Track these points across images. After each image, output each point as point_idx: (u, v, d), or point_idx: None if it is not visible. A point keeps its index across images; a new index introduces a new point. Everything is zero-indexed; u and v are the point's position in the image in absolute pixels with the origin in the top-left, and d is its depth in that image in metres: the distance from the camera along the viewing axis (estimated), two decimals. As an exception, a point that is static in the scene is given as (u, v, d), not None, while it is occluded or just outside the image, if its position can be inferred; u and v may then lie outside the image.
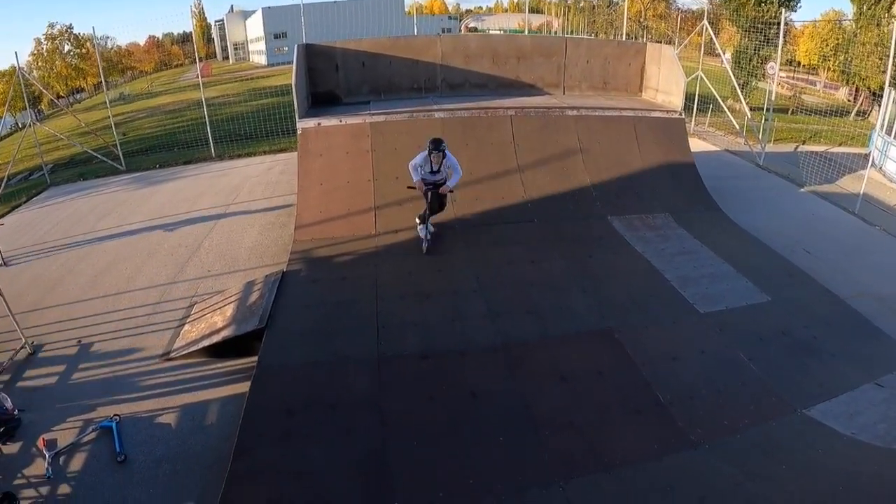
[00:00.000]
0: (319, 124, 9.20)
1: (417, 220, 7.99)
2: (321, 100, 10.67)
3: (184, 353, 6.59)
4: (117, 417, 5.63)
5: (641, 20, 24.82)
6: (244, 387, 5.65)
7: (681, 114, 10.48)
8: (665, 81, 11.03)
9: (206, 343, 6.58)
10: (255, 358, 5.90)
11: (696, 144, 14.78)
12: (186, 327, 7.12)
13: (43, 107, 28.32)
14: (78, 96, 42.19)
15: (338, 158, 9.02)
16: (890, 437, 5.02)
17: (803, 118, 19.35)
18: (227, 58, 64.30)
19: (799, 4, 22.53)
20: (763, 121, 14.35)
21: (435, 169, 7.56)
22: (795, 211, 11.00)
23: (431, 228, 7.90)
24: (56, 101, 26.09)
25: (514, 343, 6.03)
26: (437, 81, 10.83)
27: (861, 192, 11.28)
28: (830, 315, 6.96)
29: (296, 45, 10.05)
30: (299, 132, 9.16)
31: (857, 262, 8.73)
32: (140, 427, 5.58)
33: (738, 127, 15.52)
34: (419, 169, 7.64)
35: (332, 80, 10.70)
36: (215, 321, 6.95)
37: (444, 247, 7.95)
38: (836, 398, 5.55)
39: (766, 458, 4.74)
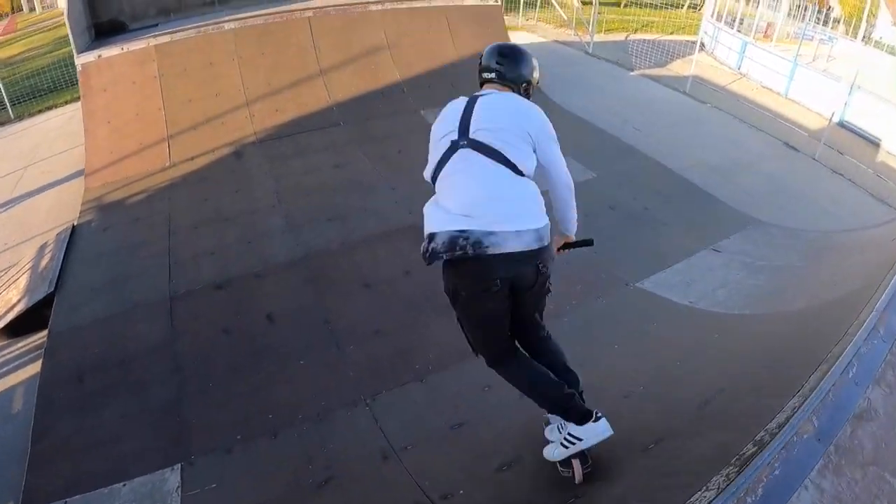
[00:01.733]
0: (100, 56, 8.20)
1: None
2: (105, 30, 9.51)
3: None
4: None
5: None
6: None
7: (497, 1, 10.24)
8: (481, -32, 10.66)
9: (2, 323, 5.88)
10: (52, 327, 5.37)
11: (525, 37, 14.71)
12: None
13: None
14: None
15: (124, 90, 8.13)
16: (730, 303, 4.93)
17: (635, 10, 19.76)
18: (33, 8, 57.35)
19: None
20: (592, 12, 14.44)
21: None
22: (624, 92, 11.26)
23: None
24: None
25: (315, 254, 5.73)
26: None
27: (691, 73, 11.67)
28: (661, 185, 7.04)
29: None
30: (79, 69, 8.15)
31: (688, 137, 9.06)
32: None
33: (566, 18, 15.57)
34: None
35: (113, 6, 9.55)
36: (11, 297, 6.25)
37: (243, 165, 7.45)
38: (671, 267, 5.48)
39: (597, 342, 4.40)
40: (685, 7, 22.89)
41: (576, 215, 2.85)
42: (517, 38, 10.98)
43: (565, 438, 2.63)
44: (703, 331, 4.56)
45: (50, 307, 5.63)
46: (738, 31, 15.22)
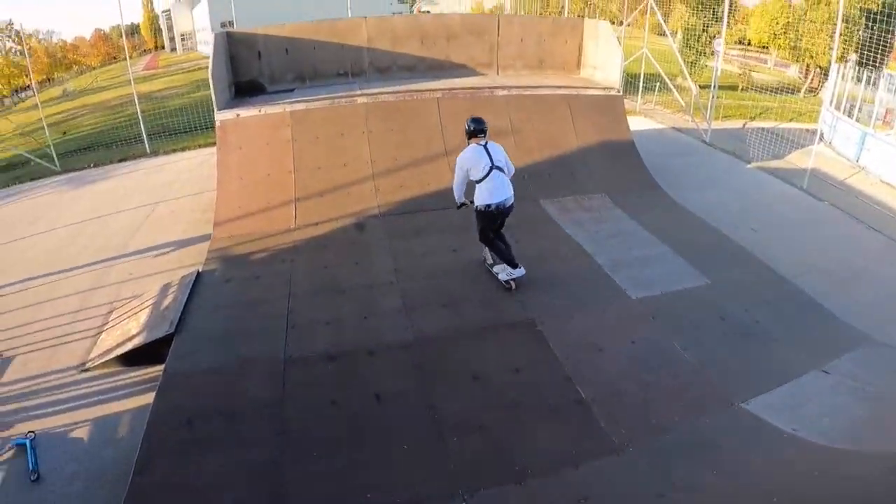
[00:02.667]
0: (238, 115, 8.77)
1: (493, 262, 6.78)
2: (245, 89, 10.20)
3: (99, 363, 6.26)
4: (32, 434, 5.37)
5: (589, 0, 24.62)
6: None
7: (619, 91, 10.23)
8: (603, 58, 10.76)
9: (119, 352, 6.24)
10: (165, 365, 5.61)
11: (642, 122, 14.66)
12: (103, 335, 6.76)
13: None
14: (23, 94, 40.66)
15: (257, 150, 8.61)
16: (834, 434, 4.59)
17: (753, 95, 19.32)
18: (174, 49, 62.56)
19: (749, -18, 22.53)
20: (711, 98, 14.21)
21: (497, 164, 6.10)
22: (741, 187, 10.85)
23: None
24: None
25: (427, 339, 5.71)
26: (364, 65, 10.41)
27: (809, 167, 11.17)
28: (774, 296, 6.61)
29: (214, 34, 9.56)
30: (217, 125, 8.72)
31: (804, 239, 8.55)
32: (54, 443, 5.33)
33: (684, 105, 15.37)
34: (470, 173, 6.19)
35: (254, 69, 10.24)
36: (130, 328, 6.62)
37: (364, 238, 7.60)
38: (777, 389, 5.13)
39: (695, 463, 4.33)
40: (802, 92, 22.23)
41: None
42: (634, 123, 10.89)
43: (507, 273, 6.44)
44: (804, 464, 4.31)
45: (166, 345, 5.86)
46: (857, 119, 14.47)
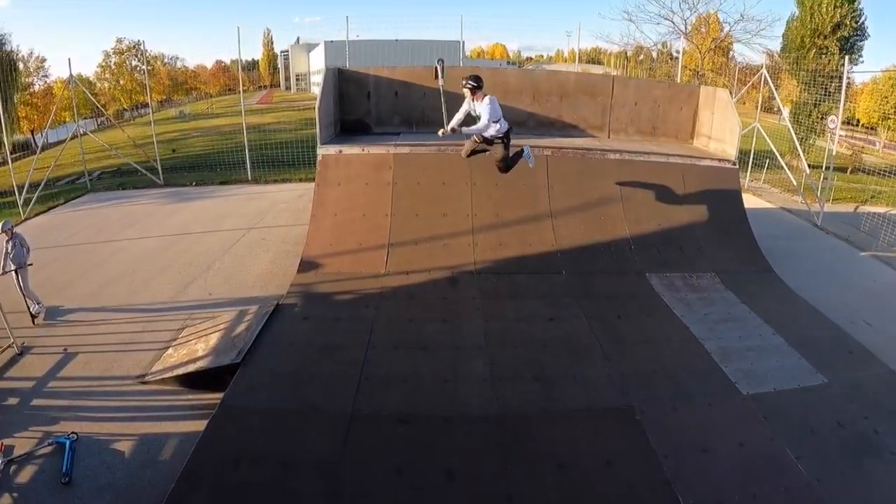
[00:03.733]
0: (340, 151, 8.75)
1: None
2: (350, 128, 10.27)
3: (158, 378, 6.23)
4: (74, 435, 5.44)
5: (699, 72, 24.00)
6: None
7: (734, 164, 9.58)
8: (718, 128, 10.17)
9: (181, 371, 6.20)
10: (224, 394, 5.40)
11: (751, 201, 13.86)
12: (169, 351, 6.76)
13: (106, 118, 29.46)
14: (143, 110, 44.08)
15: (356, 189, 8.51)
16: None
17: (863, 178, 18.17)
18: (289, 87, 66.42)
19: (861, 58, 21.44)
20: (822, 179, 13.28)
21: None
22: (856, 277, 9.97)
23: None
24: (119, 114, 27.06)
25: (512, 415, 5.21)
26: (473, 116, 10.24)
27: None
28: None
29: (326, 68, 9.69)
30: (319, 158, 8.75)
31: None
32: (94, 449, 5.36)
33: (795, 184, 14.47)
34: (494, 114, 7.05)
35: (362, 108, 10.30)
36: (197, 349, 6.57)
37: (456, 294, 7.23)
38: None
39: None
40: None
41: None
42: (743, 200, 10.26)
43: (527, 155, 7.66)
44: None
45: (230, 374, 5.70)
46: None
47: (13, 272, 7.35)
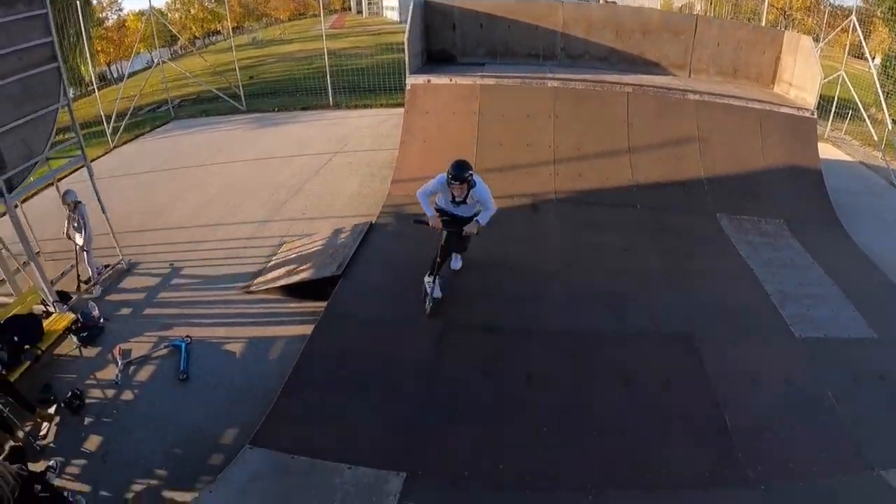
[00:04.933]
0: (429, 81, 9.16)
1: (427, 278, 6.08)
2: (436, 58, 10.61)
3: (263, 288, 6.89)
4: (189, 338, 6.00)
5: (787, 11, 22.78)
6: (311, 329, 5.83)
7: (813, 113, 9.56)
8: (800, 76, 10.05)
9: (284, 282, 6.84)
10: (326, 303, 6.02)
11: (829, 151, 13.53)
12: (271, 263, 7.43)
13: (178, 46, 30.11)
14: (215, 38, 44.50)
15: (444, 117, 8.97)
16: None
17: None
18: (360, 11, 65.33)
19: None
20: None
21: (458, 199, 5.86)
22: (926, 243, 9.83)
23: (438, 282, 6.05)
24: (191, 42, 27.65)
25: (585, 333, 5.78)
26: (556, 50, 10.45)
27: None
28: None
29: (412, 2, 10.01)
30: (408, 87, 9.19)
31: None
32: (208, 351, 5.94)
33: (876, 139, 14.03)
34: (434, 198, 6.07)
35: (448, 39, 10.60)
36: (297, 263, 7.23)
37: (537, 218, 7.75)
38: None
39: None
40: None
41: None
42: (821, 150, 10.06)
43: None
44: None
45: (331, 286, 6.30)
46: None
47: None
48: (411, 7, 9.84)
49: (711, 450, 4.66)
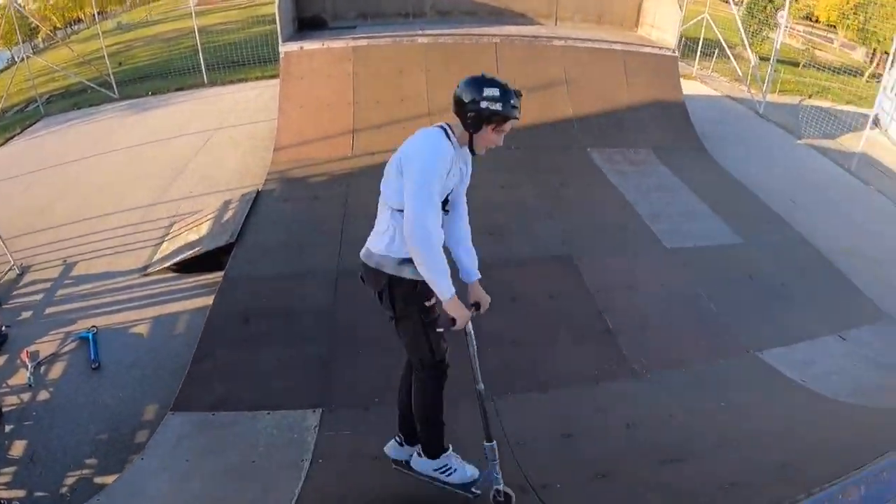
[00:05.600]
0: (302, 48, 9.07)
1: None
2: (308, 24, 10.46)
3: (159, 267, 6.81)
4: (95, 329, 5.88)
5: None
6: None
7: (674, 52, 10.23)
8: (661, 18, 10.71)
9: (180, 258, 6.79)
10: (225, 271, 6.07)
11: (697, 88, 14.51)
12: (164, 244, 7.31)
13: (39, 40, 27.88)
14: (76, 27, 41.30)
15: (319, 82, 8.94)
16: (840, 390, 4.88)
17: (813, 73, 18.76)
18: None
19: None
20: (769, 71, 13.94)
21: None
22: (787, 161, 10.76)
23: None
24: (52, 33, 25.57)
25: (473, 261, 6.07)
26: (426, 7, 10.57)
27: (860, 150, 11.03)
28: (803, 264, 6.85)
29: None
30: (282, 55, 9.05)
31: (844, 218, 8.51)
32: (115, 337, 5.85)
33: (741, 74, 15.14)
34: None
35: (317, 4, 10.47)
36: (191, 238, 7.16)
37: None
38: (793, 345, 5.42)
39: (706, 394, 4.73)
40: (865, 76, 21.48)
41: (430, 274, 2.78)
42: (689, 87, 10.83)
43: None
44: (808, 410, 4.67)
45: (226, 255, 6.37)
46: None
47: None
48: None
49: (598, 350, 5.11)
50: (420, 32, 9.29)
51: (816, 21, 31.84)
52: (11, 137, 12.56)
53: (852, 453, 3.43)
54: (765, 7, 19.25)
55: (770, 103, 13.79)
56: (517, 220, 6.89)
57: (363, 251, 3.13)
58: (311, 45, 9.10)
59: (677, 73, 10.36)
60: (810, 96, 16.16)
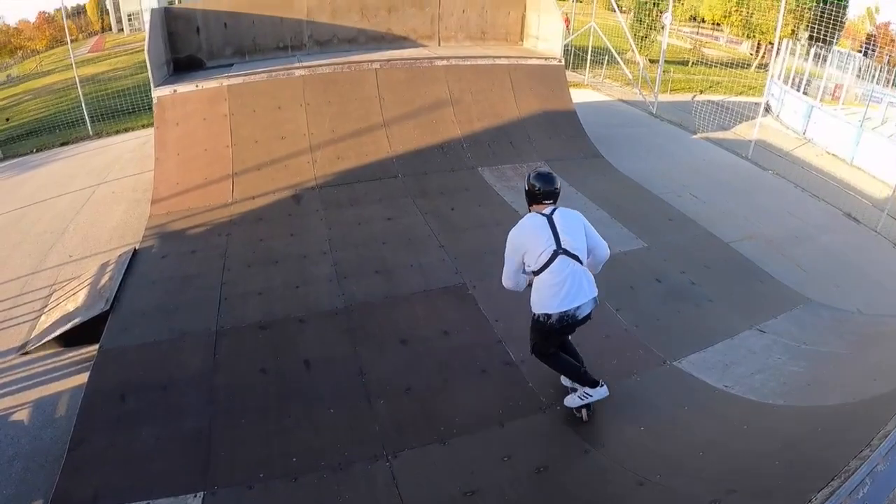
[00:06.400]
0: (175, 91, 8.64)
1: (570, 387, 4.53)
2: (183, 65, 10.01)
3: (38, 344, 6.21)
4: None
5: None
6: (89, 374, 5.43)
7: (560, 60, 10.33)
8: (545, 29, 10.85)
9: (58, 332, 6.21)
10: (103, 343, 5.63)
11: (590, 95, 14.82)
12: (43, 318, 6.69)
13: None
14: (-26, 81, 39.05)
15: (195, 126, 8.51)
16: (766, 390, 4.66)
17: (703, 70, 19.63)
18: (122, 29, 60.61)
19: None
20: (658, 72, 14.41)
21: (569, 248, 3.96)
22: (685, 156, 11.07)
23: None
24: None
25: (357, 306, 5.77)
26: (304, 39, 10.29)
27: (754, 138, 11.43)
28: (712, 258, 6.82)
29: (150, 9, 9.39)
30: (155, 101, 8.60)
31: (747, 206, 8.75)
32: None
33: (631, 77, 15.57)
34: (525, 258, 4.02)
35: (193, 44, 10.03)
36: (68, 308, 6.58)
37: (300, 210, 7.62)
38: (711, 347, 5.25)
39: (623, 419, 4.43)
40: (753, 67, 22.61)
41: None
42: (582, 95, 11.04)
43: (582, 395, 4.29)
44: (733, 421, 4.46)
45: (104, 324, 5.86)
46: (805, 93, 14.86)
47: None
48: (149, 16, 9.21)
49: (500, 385, 4.78)
50: (297, 65, 9.02)
51: (702, 21, 33.60)
52: None
53: (796, 468, 3.25)
54: (650, 12, 20.01)
55: (662, 103, 14.23)
56: (405, 253, 6.63)
57: (587, 302, 4.08)
58: (184, 88, 8.68)
59: (565, 82, 10.48)
60: (701, 92, 16.85)
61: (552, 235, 3.89)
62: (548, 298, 3.95)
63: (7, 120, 18.12)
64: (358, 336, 5.39)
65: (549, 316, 3.96)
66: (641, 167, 9.60)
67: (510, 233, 4.05)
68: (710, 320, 5.70)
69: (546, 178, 4.02)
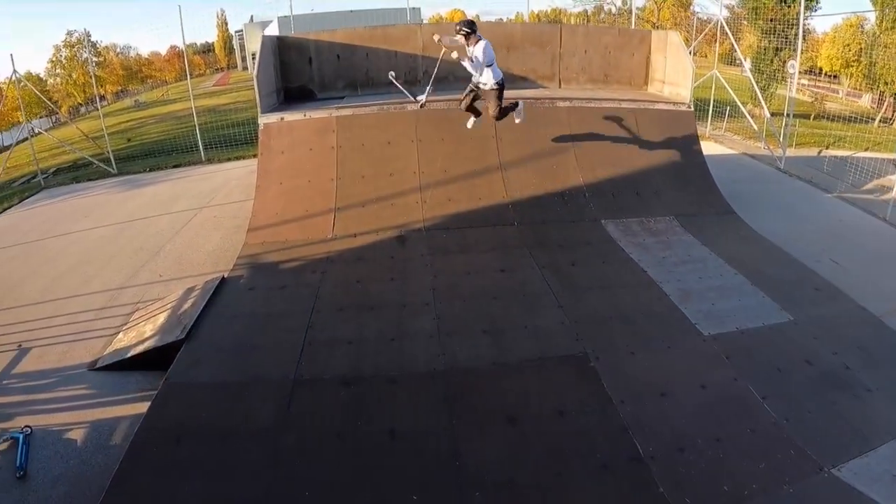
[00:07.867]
0: (282, 119, 8.45)
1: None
2: (294, 95, 9.93)
3: (108, 363, 6.04)
4: (28, 429, 5.31)
5: (655, 23, 23.87)
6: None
7: (689, 106, 9.41)
8: (672, 72, 9.99)
9: (129, 354, 6.02)
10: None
11: (712, 148, 13.84)
12: (120, 335, 6.56)
13: (61, 114, 28.52)
14: (101, 103, 43.17)
15: (300, 156, 8.23)
16: None
17: (826, 124, 18.27)
18: (246, 67, 65.65)
19: (818, 5, 21.56)
20: (784, 125, 13.23)
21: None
22: (820, 217, 9.92)
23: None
24: (73, 110, 26.37)
25: (460, 369, 5.02)
26: (419, 74, 9.92)
27: (893, 197, 10.10)
28: (866, 338, 5.73)
29: (262, 36, 9.33)
30: (261, 128, 8.44)
31: (890, 273, 7.61)
32: (48, 441, 5.23)
33: (756, 130, 14.44)
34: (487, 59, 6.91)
35: (305, 75, 9.96)
36: (145, 330, 6.37)
37: (405, 252, 7.03)
38: (874, 450, 4.33)
39: None
40: (877, 121, 20.88)
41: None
42: (704, 148, 10.08)
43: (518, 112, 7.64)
44: None
45: (176, 352, 5.52)
46: None
47: None
48: (260, 42, 9.16)
49: (625, 487, 3.95)
50: (409, 99, 8.56)
51: (820, 73, 31.82)
52: (8, 207, 12.64)
53: None
54: (771, 61, 18.77)
55: (789, 158, 13.11)
56: (518, 312, 5.84)
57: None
58: (291, 116, 8.49)
59: (695, 130, 9.54)
60: (828, 147, 15.49)
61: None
62: (498, 74, 7.03)
63: (129, 140, 19.33)
64: (457, 407, 4.66)
65: (503, 81, 7.10)
66: (775, 227, 8.56)
67: (486, 44, 6.75)
68: (870, 415, 4.67)
69: (472, 23, 6.99)
